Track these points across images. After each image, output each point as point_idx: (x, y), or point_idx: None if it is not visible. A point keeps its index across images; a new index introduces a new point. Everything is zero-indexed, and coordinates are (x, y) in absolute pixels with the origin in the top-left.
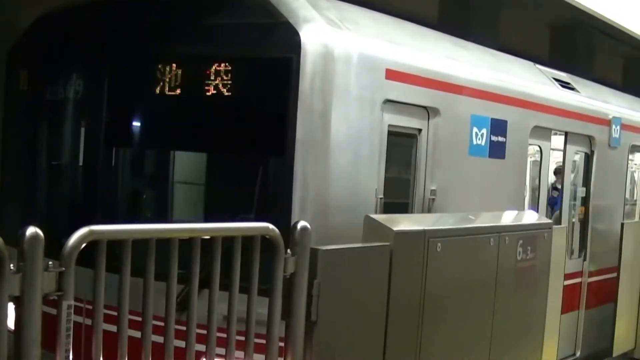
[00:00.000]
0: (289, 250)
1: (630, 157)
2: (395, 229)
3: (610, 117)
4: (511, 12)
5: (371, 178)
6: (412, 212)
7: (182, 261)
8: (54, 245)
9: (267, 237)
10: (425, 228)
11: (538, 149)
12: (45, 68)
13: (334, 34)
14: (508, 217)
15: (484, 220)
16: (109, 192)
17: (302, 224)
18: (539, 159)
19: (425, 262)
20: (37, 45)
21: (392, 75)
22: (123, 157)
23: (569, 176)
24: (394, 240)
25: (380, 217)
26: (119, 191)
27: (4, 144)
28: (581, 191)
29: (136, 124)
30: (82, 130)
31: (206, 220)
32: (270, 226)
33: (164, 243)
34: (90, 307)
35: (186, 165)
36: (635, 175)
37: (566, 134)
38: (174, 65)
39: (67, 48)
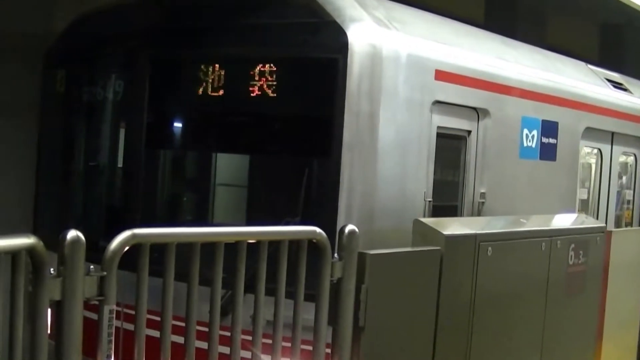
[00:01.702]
0: (335, 255)
1: None
2: (445, 233)
3: None
4: (559, 11)
5: (419, 181)
6: (461, 216)
7: (224, 265)
8: (92, 248)
9: (314, 241)
10: (476, 232)
11: (591, 150)
12: (83, 69)
13: (382, 34)
14: (559, 221)
15: (535, 224)
16: (149, 194)
17: (349, 227)
18: (593, 161)
19: (475, 267)
20: (75, 47)
21: (442, 76)
22: (164, 158)
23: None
24: (445, 244)
25: (430, 221)
26: (160, 194)
27: (41, 146)
28: (629, 194)
29: (178, 125)
30: (122, 131)
31: (249, 224)
32: (318, 230)
33: (206, 247)
34: (128, 311)
35: (229, 167)
36: None
37: (612, 134)
38: (217, 65)
39: (106, 49)
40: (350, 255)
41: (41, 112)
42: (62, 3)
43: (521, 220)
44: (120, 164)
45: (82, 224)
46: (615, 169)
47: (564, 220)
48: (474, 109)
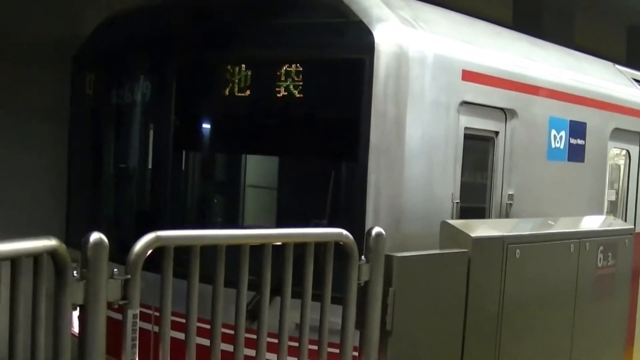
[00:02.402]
0: (363, 257)
1: None
2: (473, 235)
3: None
4: (587, 12)
5: (447, 183)
6: (489, 217)
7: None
8: (123, 251)
9: (341, 243)
10: (504, 234)
11: (620, 152)
12: (111, 72)
13: (408, 34)
14: (588, 223)
15: (563, 226)
16: (177, 197)
17: (376, 230)
18: (621, 163)
19: (503, 269)
20: (103, 49)
21: (469, 76)
22: (191, 160)
23: None
24: (472, 246)
25: (457, 223)
26: (188, 196)
27: (71, 150)
28: None
29: (204, 126)
30: (150, 133)
31: (277, 226)
32: (344, 232)
33: (231, 249)
34: (156, 313)
35: (255, 169)
36: None
37: None
38: (243, 66)
39: (133, 51)
40: (377, 257)
41: (70, 116)
42: (89, 6)
43: (549, 222)
44: (148, 166)
45: (112, 227)
46: None
47: (592, 222)
48: (502, 109)
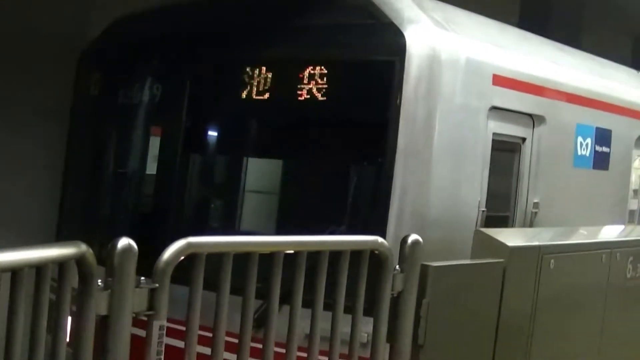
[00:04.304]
0: (397, 267)
1: None
2: (510, 244)
3: None
4: (593, 22)
5: (474, 189)
6: (512, 226)
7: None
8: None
9: (376, 252)
10: (540, 243)
11: None
12: (120, 72)
13: (440, 36)
14: (617, 232)
15: (594, 236)
16: (191, 201)
17: (413, 237)
18: None
19: (537, 279)
20: (113, 49)
21: (499, 81)
22: (204, 164)
23: None
24: (509, 256)
25: (492, 232)
26: (202, 200)
27: (71, 149)
28: None
29: (219, 130)
30: (160, 135)
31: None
32: (380, 240)
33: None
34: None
35: (274, 173)
36: None
37: None
38: (264, 68)
39: (145, 51)
40: (412, 267)
41: (72, 115)
42: (98, 6)
43: (580, 231)
44: (157, 169)
45: (114, 230)
46: None
47: (621, 232)
48: (530, 115)
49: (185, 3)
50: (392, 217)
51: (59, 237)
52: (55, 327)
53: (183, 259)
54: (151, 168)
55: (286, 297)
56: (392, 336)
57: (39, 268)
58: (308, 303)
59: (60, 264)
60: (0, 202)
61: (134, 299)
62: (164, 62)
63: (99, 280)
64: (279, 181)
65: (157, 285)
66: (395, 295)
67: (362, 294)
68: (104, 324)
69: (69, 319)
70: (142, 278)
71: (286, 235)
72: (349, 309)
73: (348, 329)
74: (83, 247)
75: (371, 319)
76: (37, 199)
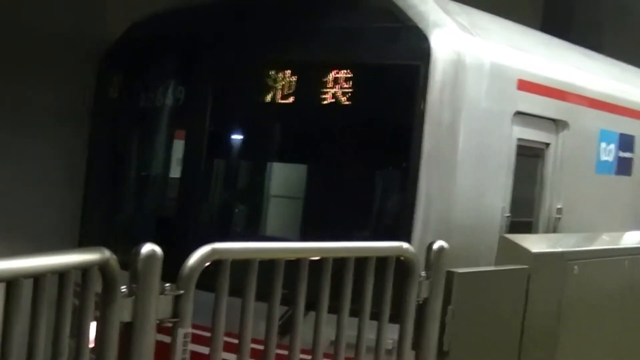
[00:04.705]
0: (423, 273)
1: None
2: (533, 250)
3: None
4: (615, 25)
5: (498, 195)
6: (536, 232)
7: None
8: None
9: (402, 258)
10: (564, 250)
11: None
12: (141, 74)
13: (465, 41)
14: (638, 238)
15: (616, 241)
16: (215, 206)
17: (439, 244)
18: None
19: (562, 286)
20: (134, 51)
21: (524, 85)
22: (228, 168)
23: None
24: (533, 262)
25: (516, 238)
26: (226, 205)
27: (92, 153)
28: None
29: (243, 134)
30: (183, 139)
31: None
32: (405, 246)
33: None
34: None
35: (299, 178)
36: None
37: None
38: (288, 71)
39: (167, 53)
40: (438, 273)
41: (93, 117)
42: (118, 7)
43: (603, 237)
44: (180, 174)
45: (138, 234)
46: None
47: None
48: (553, 120)
49: (209, 3)
50: (418, 223)
51: (81, 243)
52: (78, 333)
53: (208, 265)
54: (175, 172)
55: (312, 304)
56: (418, 343)
57: (61, 274)
58: (334, 309)
59: (84, 270)
60: (20, 209)
61: (158, 306)
62: (186, 64)
63: (123, 287)
64: (304, 186)
65: (182, 291)
66: (420, 302)
67: (388, 300)
68: (128, 331)
69: (93, 325)
70: (167, 284)
71: (311, 242)
72: (375, 316)
73: (373, 336)
74: (107, 253)
75: (396, 326)
76: (56, 204)
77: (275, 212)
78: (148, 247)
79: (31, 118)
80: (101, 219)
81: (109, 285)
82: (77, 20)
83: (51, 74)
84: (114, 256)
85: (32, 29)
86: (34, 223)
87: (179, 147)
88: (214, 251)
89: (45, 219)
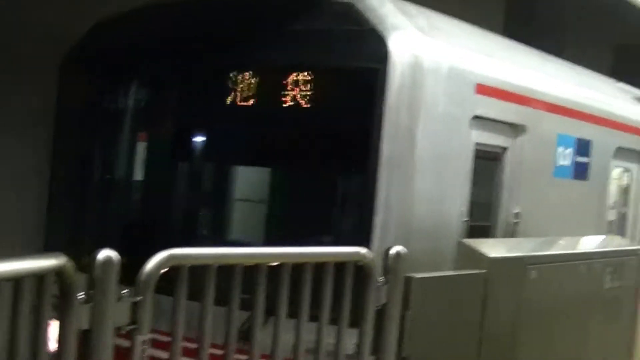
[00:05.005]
0: (381, 278)
1: None
2: (490, 255)
3: None
4: (576, 30)
5: (456, 199)
6: (495, 236)
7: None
8: None
9: (360, 263)
10: (522, 254)
11: (621, 170)
12: (104, 76)
13: (424, 44)
14: (596, 243)
15: (573, 246)
16: (177, 209)
17: (396, 249)
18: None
19: (520, 290)
20: (95, 53)
21: (482, 90)
22: (191, 171)
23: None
24: (490, 267)
25: (474, 242)
26: (189, 209)
27: (56, 155)
28: None
29: (205, 136)
30: (145, 142)
31: (280, 243)
32: (363, 251)
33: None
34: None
35: (256, 182)
36: None
37: None
38: (248, 73)
39: (129, 55)
40: (396, 278)
41: (56, 120)
42: (81, 8)
43: (560, 242)
44: (142, 177)
45: (101, 239)
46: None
47: (600, 243)
48: (511, 124)
49: (171, 4)
50: (377, 228)
51: (47, 247)
52: (35, 341)
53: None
54: (138, 175)
55: (272, 309)
56: (377, 348)
57: (17, 281)
58: (295, 315)
59: (40, 277)
60: None
61: (116, 313)
62: (148, 66)
63: (81, 293)
64: (265, 190)
65: (139, 298)
66: (379, 306)
67: (347, 305)
68: (86, 338)
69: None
70: (124, 290)
71: (270, 247)
72: (335, 321)
73: (334, 341)
74: (62, 259)
75: (356, 331)
76: (27, 205)
77: (238, 216)
78: (105, 253)
79: (3, 119)
80: (65, 223)
81: (65, 292)
82: (50, 19)
83: (24, 74)
84: (71, 262)
85: (3, 27)
86: (4, 224)
87: (141, 150)
88: (171, 257)
89: (17, 221)
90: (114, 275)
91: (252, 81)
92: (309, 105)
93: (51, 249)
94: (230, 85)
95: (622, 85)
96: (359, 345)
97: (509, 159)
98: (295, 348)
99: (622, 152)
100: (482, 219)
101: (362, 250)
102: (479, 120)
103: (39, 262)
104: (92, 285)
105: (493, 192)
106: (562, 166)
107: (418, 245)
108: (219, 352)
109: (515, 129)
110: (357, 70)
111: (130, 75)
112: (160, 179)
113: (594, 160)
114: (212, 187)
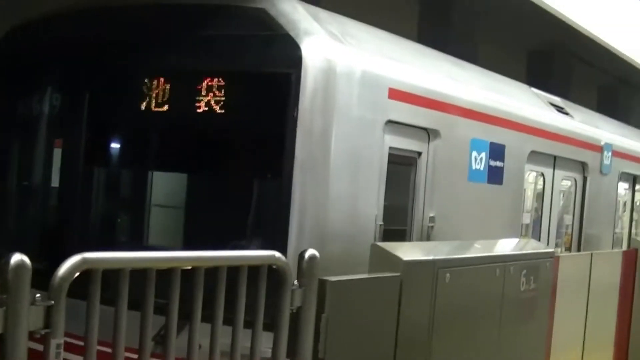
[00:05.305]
0: (295, 282)
1: (621, 185)
2: (405, 258)
3: (602, 143)
4: (489, 35)
5: (371, 203)
6: (410, 240)
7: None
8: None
9: (274, 267)
10: (435, 257)
11: (535, 174)
12: (18, 81)
13: (336, 49)
14: (511, 246)
15: (488, 249)
16: (94, 215)
17: (310, 252)
18: (535, 186)
19: (434, 293)
20: (10, 57)
21: (395, 94)
22: (102, 177)
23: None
24: (404, 270)
25: (388, 246)
26: (99, 215)
27: None
28: (568, 219)
29: (119, 142)
30: (59, 148)
31: (196, 248)
32: (277, 254)
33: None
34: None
35: (173, 187)
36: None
37: (555, 158)
38: (162, 79)
39: (44, 59)
40: (311, 282)
41: None
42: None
43: (475, 245)
44: (56, 183)
45: (14, 245)
46: (557, 194)
47: (515, 246)
48: (425, 129)
49: (85, 10)
50: (293, 232)
51: None
52: None
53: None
54: (54, 181)
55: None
56: (293, 351)
57: None
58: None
59: None
60: None
61: (30, 317)
62: (62, 71)
63: None
64: (182, 195)
65: (52, 302)
66: (294, 310)
67: (262, 308)
68: (1, 343)
69: None
70: (38, 295)
71: (184, 251)
72: (250, 324)
73: (249, 344)
74: None
75: (272, 334)
76: None
77: (155, 221)
78: (17, 258)
79: None
80: None
81: None
82: None
83: None
84: None
85: None
86: None
87: (57, 156)
88: (84, 261)
89: None
90: (26, 280)
91: (167, 87)
92: (223, 111)
93: None
94: (145, 90)
95: (536, 90)
96: (275, 349)
97: (423, 164)
98: (211, 351)
99: (536, 156)
100: (398, 222)
101: (277, 254)
102: (392, 124)
103: None
104: (5, 290)
105: (408, 196)
106: (476, 170)
107: (334, 248)
108: (134, 356)
109: (428, 133)
110: (271, 75)
111: (45, 81)
112: (75, 185)
113: (508, 164)
114: (129, 192)
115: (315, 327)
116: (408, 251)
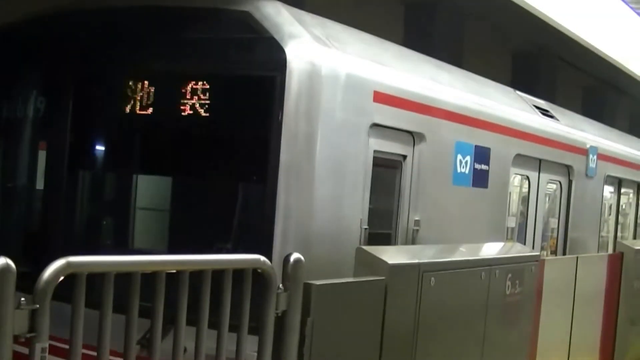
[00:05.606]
0: (280, 286)
1: (606, 188)
2: (390, 262)
3: (588, 146)
4: (474, 39)
5: (356, 207)
6: (395, 243)
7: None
8: None
9: (259, 270)
10: (420, 261)
11: (520, 178)
12: (1, 83)
13: (321, 52)
14: (496, 250)
15: (473, 253)
16: (79, 218)
17: (295, 256)
18: (521, 189)
19: (419, 296)
20: None
21: (380, 97)
22: (91, 180)
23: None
24: (389, 274)
25: (373, 249)
26: (84, 218)
27: None
28: (553, 222)
29: (103, 145)
30: (43, 150)
31: (182, 251)
32: (262, 258)
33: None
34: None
35: (158, 190)
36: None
37: (540, 161)
38: (146, 82)
39: (27, 61)
40: (295, 286)
41: None
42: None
43: (460, 249)
44: (40, 186)
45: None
46: (543, 197)
47: (500, 249)
48: (410, 132)
49: (69, 12)
50: (278, 235)
51: None
52: None
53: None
54: (39, 184)
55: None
56: (278, 355)
57: None
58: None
59: None
60: None
61: (15, 321)
62: (46, 73)
63: None
64: (167, 198)
65: (37, 306)
66: (279, 314)
67: (247, 312)
68: None
69: None
70: (22, 298)
71: (169, 254)
72: (235, 328)
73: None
74: None
75: (257, 338)
76: None
77: (140, 225)
78: (1, 261)
79: None
80: None
81: None
82: None
83: None
84: None
85: None
86: None
87: (41, 159)
88: (68, 264)
89: None
90: (11, 283)
91: (151, 90)
92: (207, 114)
93: None
94: (129, 93)
95: (521, 93)
96: (260, 352)
97: (408, 167)
98: (196, 355)
99: (521, 160)
100: (383, 226)
101: (261, 257)
102: (377, 128)
103: None
104: None
105: (393, 200)
106: (461, 173)
107: (319, 252)
108: (118, 359)
109: (413, 136)
110: (255, 78)
111: (28, 84)
112: (60, 188)
113: (493, 167)
114: (114, 195)
115: (300, 330)
116: (393, 255)
